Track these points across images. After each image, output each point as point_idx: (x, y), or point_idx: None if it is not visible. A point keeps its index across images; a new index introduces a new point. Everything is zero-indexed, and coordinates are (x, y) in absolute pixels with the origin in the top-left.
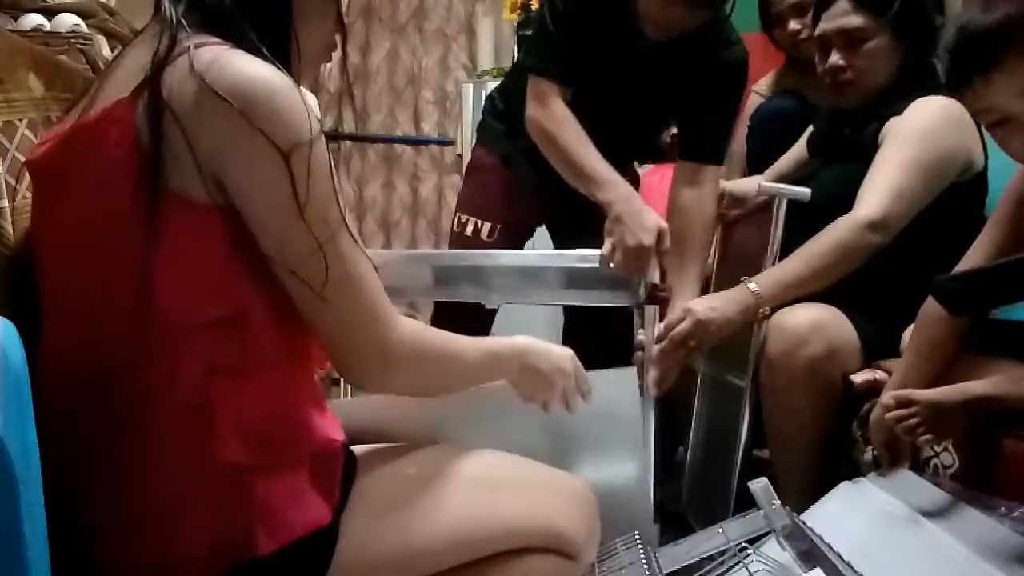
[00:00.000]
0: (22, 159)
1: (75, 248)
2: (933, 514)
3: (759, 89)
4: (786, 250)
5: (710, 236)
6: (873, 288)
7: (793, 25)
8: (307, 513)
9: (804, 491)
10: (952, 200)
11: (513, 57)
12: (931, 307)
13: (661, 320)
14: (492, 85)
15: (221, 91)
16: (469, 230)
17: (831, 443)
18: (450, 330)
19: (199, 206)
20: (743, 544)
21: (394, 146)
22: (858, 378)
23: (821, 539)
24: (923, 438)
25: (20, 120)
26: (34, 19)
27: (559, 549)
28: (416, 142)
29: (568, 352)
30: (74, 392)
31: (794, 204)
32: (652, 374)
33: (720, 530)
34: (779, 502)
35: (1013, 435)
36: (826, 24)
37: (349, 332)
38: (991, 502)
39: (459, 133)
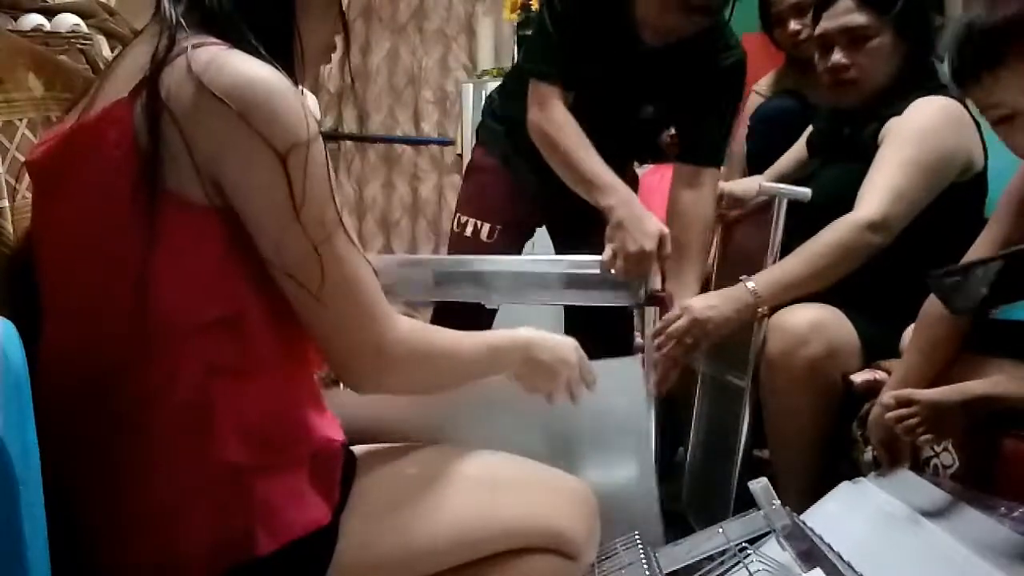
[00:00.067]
0: (22, 159)
1: (75, 248)
2: (933, 514)
3: (759, 89)
4: (786, 250)
5: (709, 238)
6: (873, 288)
7: (793, 25)
8: (307, 513)
9: (804, 491)
10: (952, 200)
11: (513, 57)
12: (932, 306)
13: None
14: (492, 85)
15: (218, 92)
16: (468, 231)
17: (831, 443)
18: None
19: (197, 207)
20: (743, 544)
21: (394, 146)
22: (858, 378)
23: (821, 539)
24: (923, 438)
25: (20, 120)
26: (34, 19)
27: (559, 549)
28: (416, 142)
29: (572, 342)
30: (74, 392)
31: (794, 204)
32: (651, 377)
33: (720, 530)
34: (779, 502)
35: (1013, 435)
36: (828, 22)
37: (346, 334)
38: (991, 502)
39: (459, 133)
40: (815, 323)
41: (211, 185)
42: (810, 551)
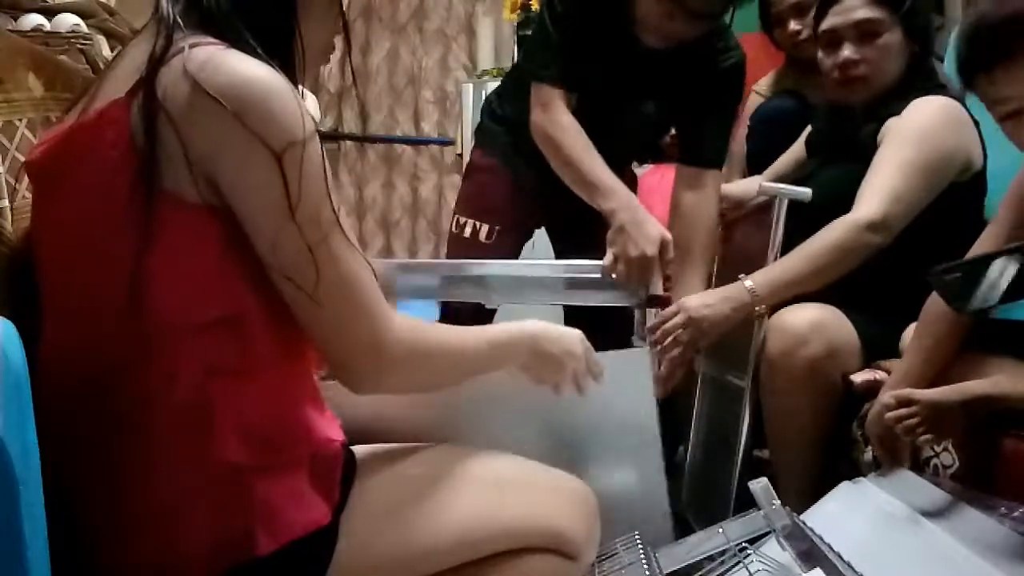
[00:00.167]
0: (22, 159)
1: (74, 248)
2: (933, 514)
3: (759, 89)
4: (786, 251)
5: (713, 240)
6: (873, 288)
7: (793, 25)
8: (307, 513)
9: (804, 491)
10: (951, 200)
11: (513, 57)
12: (933, 305)
13: None
14: (492, 85)
15: (214, 92)
16: (467, 232)
17: (831, 443)
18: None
19: (194, 207)
20: (743, 544)
21: (394, 146)
22: (858, 378)
23: (821, 539)
24: (923, 438)
25: (20, 120)
26: (34, 19)
27: (559, 549)
28: (416, 142)
29: (578, 334)
30: (74, 392)
31: (794, 204)
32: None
33: (720, 530)
34: (779, 502)
35: (1013, 435)
36: (836, 18)
37: (345, 334)
38: (991, 502)
39: (459, 133)
40: (815, 323)
41: (207, 185)
42: (810, 551)
